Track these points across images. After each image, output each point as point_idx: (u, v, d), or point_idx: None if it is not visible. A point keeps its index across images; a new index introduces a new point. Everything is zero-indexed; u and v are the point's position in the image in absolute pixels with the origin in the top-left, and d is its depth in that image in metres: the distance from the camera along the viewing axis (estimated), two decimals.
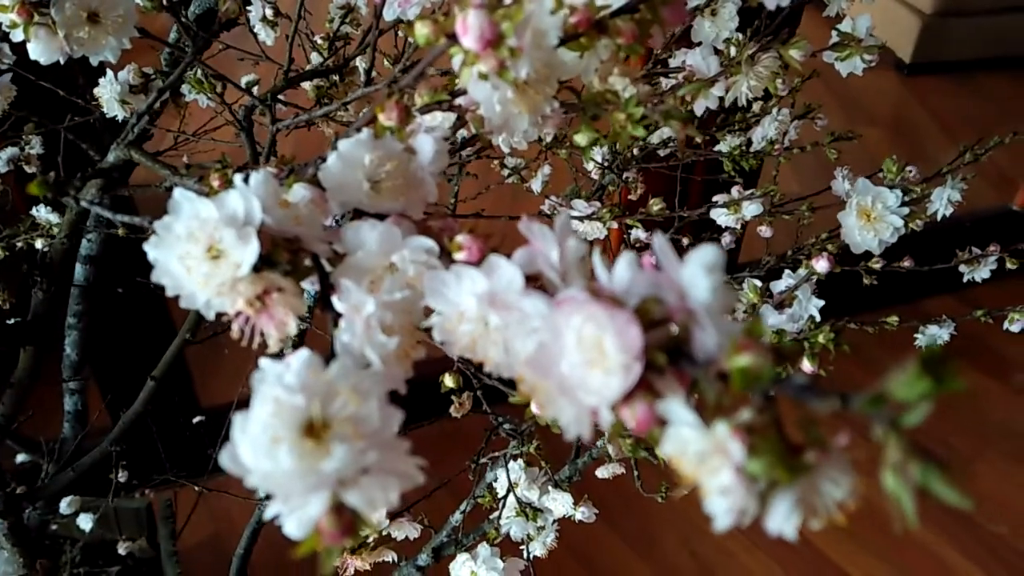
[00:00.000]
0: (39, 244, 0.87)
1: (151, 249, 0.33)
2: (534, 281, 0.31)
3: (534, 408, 0.30)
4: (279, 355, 0.30)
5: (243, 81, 1.09)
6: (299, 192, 0.38)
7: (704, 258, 0.25)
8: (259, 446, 0.22)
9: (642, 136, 0.38)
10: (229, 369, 1.84)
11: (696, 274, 0.24)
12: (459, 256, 0.33)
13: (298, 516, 0.24)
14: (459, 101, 0.41)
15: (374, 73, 0.92)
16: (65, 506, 1.22)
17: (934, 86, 2.79)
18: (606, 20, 0.38)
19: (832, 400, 0.19)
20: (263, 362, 0.29)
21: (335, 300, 0.34)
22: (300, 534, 0.24)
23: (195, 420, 1.59)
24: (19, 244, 0.90)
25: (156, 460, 1.42)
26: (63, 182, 0.35)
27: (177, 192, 0.33)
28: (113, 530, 1.49)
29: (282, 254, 0.33)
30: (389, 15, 0.54)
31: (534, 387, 0.27)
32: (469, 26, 0.31)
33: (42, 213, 0.87)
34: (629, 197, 1.07)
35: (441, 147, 0.40)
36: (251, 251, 0.32)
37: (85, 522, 1.28)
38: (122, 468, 1.27)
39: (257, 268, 0.32)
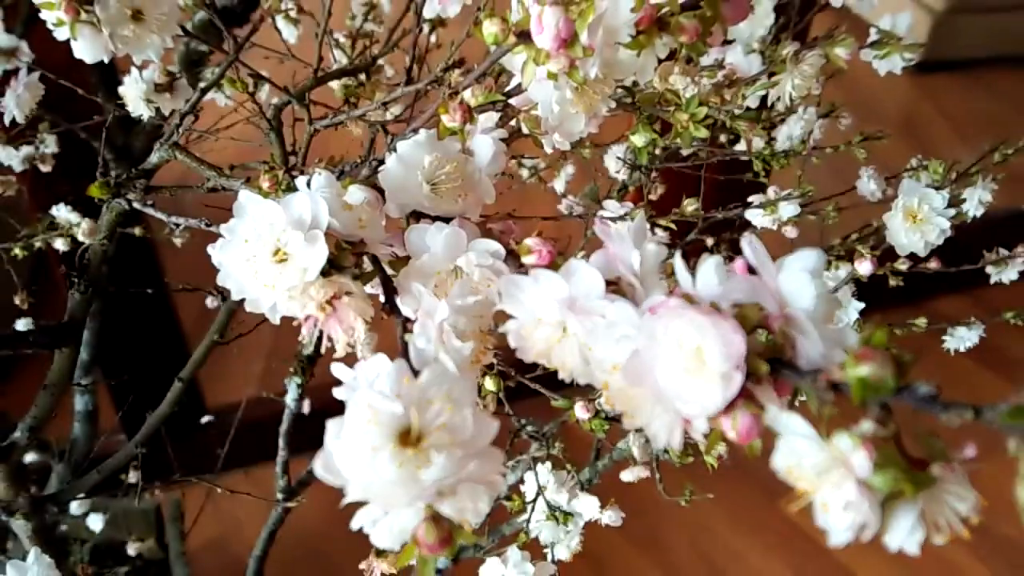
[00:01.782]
0: (60, 244, 0.87)
1: (216, 252, 0.32)
2: (612, 286, 0.31)
3: (616, 411, 0.29)
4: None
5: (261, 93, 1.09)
6: (357, 193, 0.37)
7: (806, 262, 0.24)
8: (359, 455, 0.22)
9: (705, 136, 0.37)
10: (236, 370, 1.84)
11: (798, 280, 0.24)
12: (529, 260, 0.33)
13: (389, 526, 0.24)
14: (512, 101, 0.41)
15: (393, 72, 0.92)
16: (75, 506, 1.21)
17: (945, 84, 2.78)
18: (668, 17, 0.38)
19: (963, 411, 0.19)
20: (339, 368, 0.29)
21: (401, 304, 0.34)
22: (391, 545, 0.24)
23: (203, 420, 1.58)
24: (37, 244, 0.90)
25: (164, 461, 1.41)
26: (121, 183, 0.35)
27: (242, 194, 0.33)
28: (121, 531, 1.48)
29: (348, 257, 0.33)
30: (429, 12, 0.53)
31: (621, 395, 0.27)
32: (545, 24, 0.30)
33: (62, 213, 0.87)
34: (650, 198, 1.07)
35: (499, 148, 0.40)
36: (319, 255, 0.32)
37: (95, 522, 1.28)
38: (134, 469, 1.26)
39: (325, 272, 0.32)
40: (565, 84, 0.36)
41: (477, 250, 0.34)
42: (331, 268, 0.32)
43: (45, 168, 1.02)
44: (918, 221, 0.53)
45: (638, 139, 0.40)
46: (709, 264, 0.27)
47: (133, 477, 1.27)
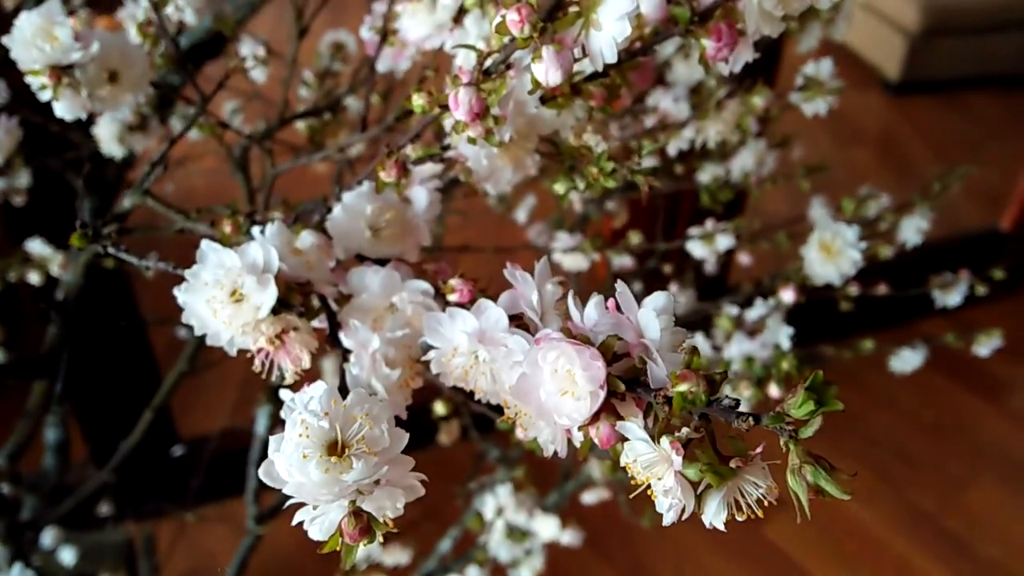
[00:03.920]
0: (34, 278, 0.93)
1: (181, 294, 0.39)
2: (518, 320, 0.38)
3: (519, 433, 0.36)
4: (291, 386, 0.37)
5: (226, 111, 1.16)
6: (307, 239, 0.44)
7: (656, 303, 0.31)
8: (293, 462, 0.29)
9: (614, 186, 0.45)
10: (209, 400, 1.89)
11: (649, 316, 0.31)
12: (452, 297, 0.40)
13: (321, 521, 0.31)
14: (449, 154, 0.48)
15: (360, 105, 0.99)
16: (48, 540, 1.26)
17: (921, 105, 2.90)
18: (580, 84, 0.45)
19: (747, 419, 0.26)
20: (285, 393, 0.36)
21: (342, 337, 0.41)
22: (323, 536, 0.31)
23: (176, 452, 1.64)
24: (11, 277, 0.96)
25: (137, 493, 1.46)
26: (98, 233, 0.41)
27: (204, 244, 0.39)
28: (93, 564, 1.53)
29: (296, 297, 0.40)
30: (382, 67, 0.61)
31: (517, 412, 0.34)
32: (460, 101, 0.38)
33: (36, 247, 0.93)
34: (613, 227, 1.14)
35: (434, 197, 0.47)
36: (270, 295, 0.38)
37: (67, 556, 1.32)
38: (105, 499, 1.31)
39: (275, 310, 0.39)
40: (487, 144, 0.43)
41: (410, 289, 0.41)
42: (281, 307, 0.39)
43: (18, 201, 1.08)
44: (832, 253, 0.60)
45: (559, 187, 0.47)
46: (591, 303, 0.34)
47: (106, 509, 1.32)
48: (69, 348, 1.11)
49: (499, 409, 0.46)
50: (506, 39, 0.38)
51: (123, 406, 1.48)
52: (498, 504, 0.79)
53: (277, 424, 0.98)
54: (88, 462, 1.60)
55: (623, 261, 1.08)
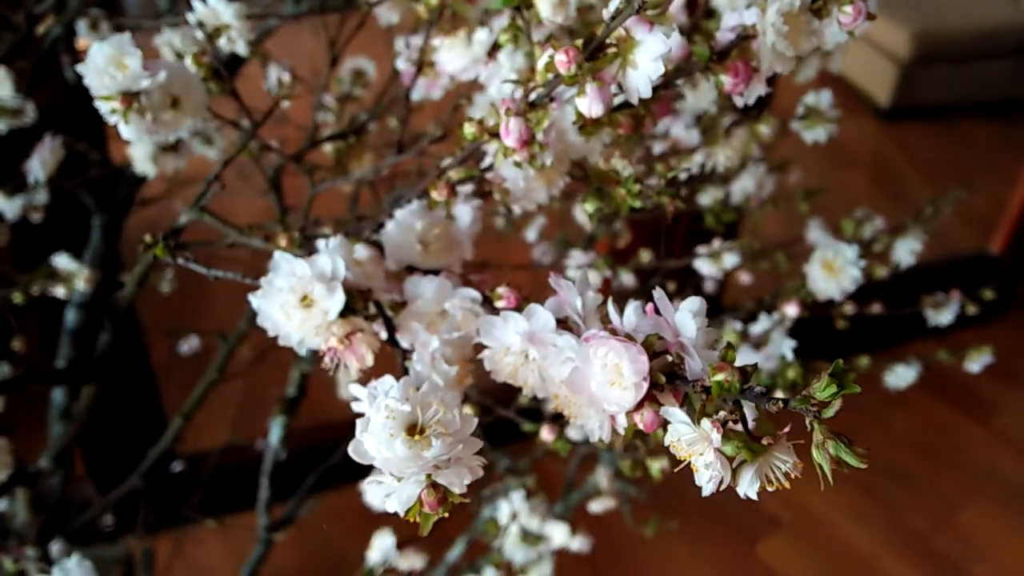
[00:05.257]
0: (60, 291, 0.97)
1: (256, 300, 0.44)
2: (562, 323, 0.43)
3: (564, 414, 0.41)
4: None
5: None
6: (362, 252, 0.50)
7: (691, 305, 0.37)
8: (381, 440, 0.34)
9: (639, 207, 0.50)
10: (206, 416, 1.92)
11: (686, 318, 0.37)
12: (499, 304, 0.45)
13: (399, 495, 0.36)
14: (489, 175, 0.54)
15: (376, 127, 1.05)
16: (54, 552, 1.29)
17: (912, 130, 3.00)
18: (610, 113, 0.51)
19: (776, 401, 0.31)
20: (356, 388, 0.41)
21: (400, 338, 0.46)
22: (402, 508, 0.36)
23: (175, 468, 1.67)
24: (34, 290, 1.00)
25: (136, 509, 1.49)
26: (179, 246, 0.47)
27: (277, 254, 0.45)
28: None
29: (359, 302, 0.45)
30: (416, 95, 0.66)
31: (567, 402, 0.39)
32: (511, 130, 0.43)
33: (63, 262, 0.97)
34: (618, 246, 1.20)
35: (477, 215, 0.52)
36: (338, 300, 0.44)
37: None
38: (111, 514, 1.35)
39: (342, 314, 0.44)
40: (527, 167, 0.49)
41: (461, 296, 0.47)
42: (347, 311, 0.44)
43: (36, 217, 1.13)
44: (834, 271, 0.66)
45: (589, 206, 0.53)
46: (630, 308, 0.39)
47: (107, 524, 1.35)
48: (77, 361, 1.15)
49: (532, 415, 0.51)
50: (550, 75, 0.44)
51: (121, 420, 1.52)
52: (512, 509, 0.84)
53: (288, 436, 1.02)
54: (85, 476, 1.63)
55: (624, 280, 1.14)
